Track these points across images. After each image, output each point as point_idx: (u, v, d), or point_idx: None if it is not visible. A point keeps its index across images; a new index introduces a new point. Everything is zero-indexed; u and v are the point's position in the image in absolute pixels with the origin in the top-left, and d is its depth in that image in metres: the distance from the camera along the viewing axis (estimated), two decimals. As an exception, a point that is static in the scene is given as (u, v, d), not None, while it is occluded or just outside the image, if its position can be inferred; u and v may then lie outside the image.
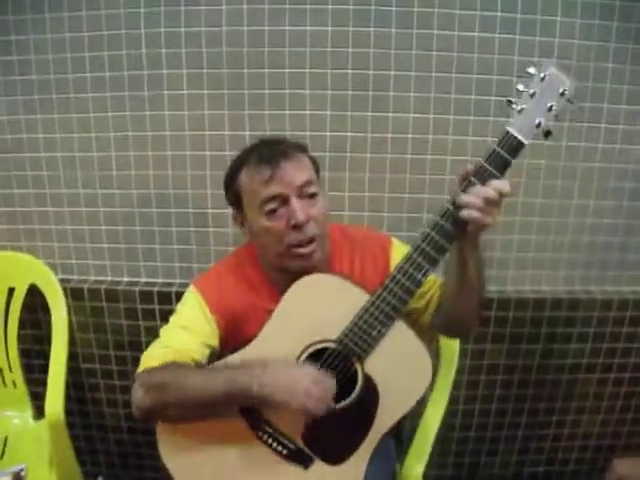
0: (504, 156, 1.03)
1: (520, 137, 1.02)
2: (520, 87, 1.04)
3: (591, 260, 1.91)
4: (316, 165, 1.29)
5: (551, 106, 1.02)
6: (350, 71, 1.71)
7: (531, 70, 1.03)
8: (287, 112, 1.74)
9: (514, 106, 1.04)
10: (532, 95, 1.02)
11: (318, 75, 1.71)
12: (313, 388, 1.09)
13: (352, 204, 1.82)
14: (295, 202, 1.18)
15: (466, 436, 2.04)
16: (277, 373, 1.12)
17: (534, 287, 1.92)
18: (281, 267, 1.25)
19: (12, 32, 1.73)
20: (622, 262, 1.91)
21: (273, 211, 1.20)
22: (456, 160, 1.77)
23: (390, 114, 1.74)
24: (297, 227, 1.17)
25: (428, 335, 1.38)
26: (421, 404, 1.60)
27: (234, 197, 1.28)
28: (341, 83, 1.72)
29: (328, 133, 1.75)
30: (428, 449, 1.55)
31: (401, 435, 1.68)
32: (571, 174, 1.81)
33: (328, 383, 1.12)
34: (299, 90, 1.72)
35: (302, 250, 1.20)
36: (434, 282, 1.30)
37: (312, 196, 1.21)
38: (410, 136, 1.76)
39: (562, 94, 1.02)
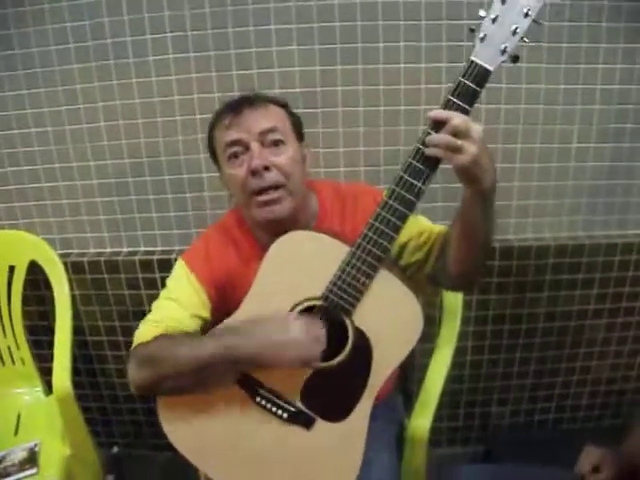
0: (471, 86, 0.98)
1: (485, 65, 0.98)
2: (481, 13, 0.98)
3: (594, 204, 1.88)
4: (294, 119, 1.28)
5: (515, 28, 0.96)
6: (338, 24, 1.66)
7: None
8: (276, 70, 1.71)
9: (477, 34, 0.98)
10: (494, 20, 0.96)
11: (305, 30, 1.67)
12: (303, 336, 1.09)
13: (347, 160, 1.80)
14: (254, 148, 1.18)
15: (475, 387, 2.04)
16: (265, 328, 1.11)
17: (537, 234, 1.89)
18: (253, 220, 1.25)
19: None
20: (625, 205, 1.88)
21: (235, 156, 1.20)
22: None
23: (380, 65, 1.70)
24: (256, 173, 1.17)
25: (430, 288, 1.37)
26: (426, 357, 1.60)
27: (212, 150, 1.29)
28: (329, 37, 1.68)
29: (319, 89, 1.72)
30: (434, 402, 1.53)
31: (408, 389, 1.69)
32: (570, 117, 1.77)
33: (317, 326, 1.12)
34: (286, 47, 1.69)
35: (263, 197, 1.18)
36: (431, 232, 1.27)
37: (277, 144, 1.20)
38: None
39: (526, 15, 0.96)
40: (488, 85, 1.65)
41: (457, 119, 0.96)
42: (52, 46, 1.72)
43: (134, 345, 1.22)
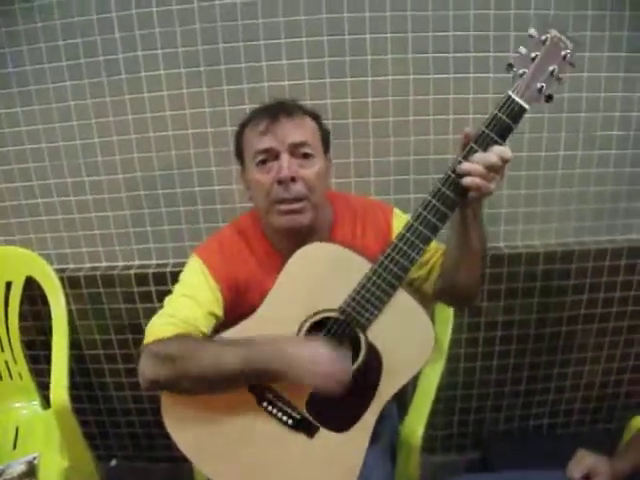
0: (506, 121, 1.01)
1: (522, 102, 1.00)
2: (522, 50, 1.00)
3: (582, 211, 1.90)
4: (324, 133, 1.30)
5: (553, 70, 0.99)
6: (326, 38, 1.69)
7: (532, 32, 1.00)
8: (265, 84, 1.74)
9: (515, 70, 1.01)
10: (533, 59, 0.99)
11: (294, 44, 1.70)
12: (332, 368, 1.10)
13: (337, 171, 1.81)
14: (284, 158, 1.19)
15: (469, 394, 2.05)
16: (295, 351, 1.12)
17: (526, 242, 1.91)
18: (272, 226, 1.26)
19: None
20: (614, 211, 1.90)
21: (263, 162, 1.21)
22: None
23: (369, 78, 1.73)
24: (282, 182, 1.18)
25: (430, 304, 1.39)
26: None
27: (238, 148, 1.30)
28: (317, 50, 1.70)
29: (308, 102, 1.71)
30: (427, 410, 1.55)
31: (403, 396, 1.70)
32: (557, 125, 1.79)
33: (346, 362, 1.13)
34: (275, 61, 1.71)
35: (285, 206, 1.20)
36: (436, 250, 1.30)
37: (306, 156, 1.21)
38: (390, 99, 1.75)
39: (564, 58, 0.99)
40: (477, 95, 1.69)
41: (494, 159, 1.01)
42: (45, 64, 1.75)
43: (149, 339, 1.20)
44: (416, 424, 1.54)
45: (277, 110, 1.23)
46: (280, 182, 1.18)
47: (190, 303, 1.25)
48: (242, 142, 1.28)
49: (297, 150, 1.20)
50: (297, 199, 1.20)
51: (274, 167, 1.20)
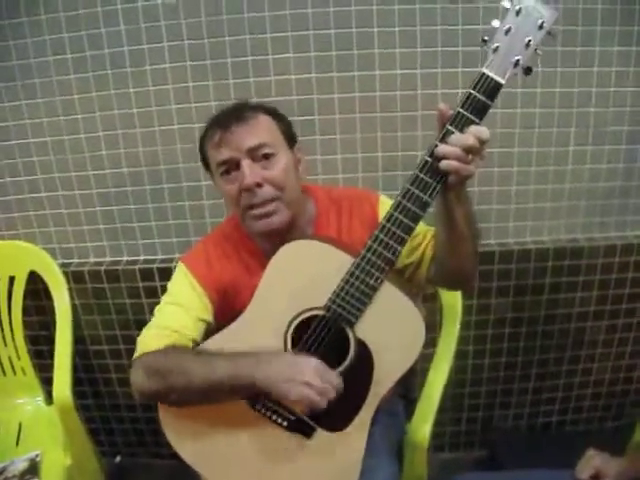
0: (481, 100, 0.96)
1: (497, 78, 0.95)
2: (495, 23, 0.95)
3: (592, 207, 1.88)
4: (283, 126, 1.27)
5: (529, 41, 0.94)
6: (333, 31, 1.67)
7: (505, 4, 0.95)
8: (272, 78, 1.72)
9: (489, 45, 0.96)
10: (507, 31, 0.94)
11: (300, 37, 1.68)
12: (315, 380, 1.07)
13: (345, 166, 1.81)
14: (245, 165, 1.17)
15: (477, 391, 2.04)
16: (280, 366, 1.10)
17: (535, 238, 1.90)
18: (251, 230, 1.25)
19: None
20: (624, 207, 1.88)
21: (227, 173, 1.20)
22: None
23: (377, 72, 1.71)
24: (248, 190, 1.17)
25: (428, 289, 1.36)
26: (426, 362, 1.60)
27: (204, 161, 1.29)
28: (324, 44, 1.68)
29: (315, 96, 1.73)
30: (434, 407, 1.53)
31: (410, 395, 1.68)
32: (567, 121, 1.78)
33: (331, 376, 1.10)
34: (282, 54, 1.70)
35: (256, 211, 1.19)
36: (425, 234, 1.26)
37: (267, 157, 1.19)
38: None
39: (540, 27, 0.94)
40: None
41: (471, 140, 0.96)
42: (50, 57, 1.73)
43: (140, 352, 1.21)
44: (423, 423, 1.51)
45: (228, 118, 1.21)
46: (246, 190, 1.17)
47: (178, 311, 1.25)
48: (205, 155, 1.27)
49: (256, 153, 1.18)
50: (267, 201, 1.18)
51: (238, 176, 1.18)
